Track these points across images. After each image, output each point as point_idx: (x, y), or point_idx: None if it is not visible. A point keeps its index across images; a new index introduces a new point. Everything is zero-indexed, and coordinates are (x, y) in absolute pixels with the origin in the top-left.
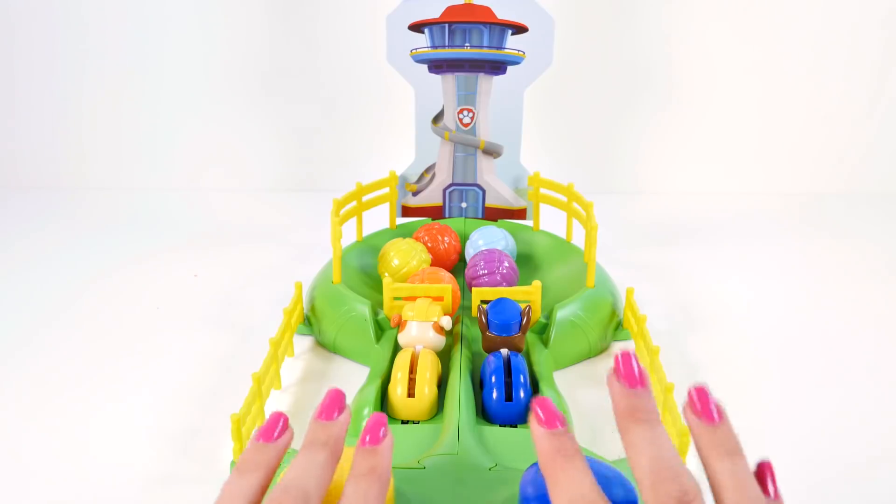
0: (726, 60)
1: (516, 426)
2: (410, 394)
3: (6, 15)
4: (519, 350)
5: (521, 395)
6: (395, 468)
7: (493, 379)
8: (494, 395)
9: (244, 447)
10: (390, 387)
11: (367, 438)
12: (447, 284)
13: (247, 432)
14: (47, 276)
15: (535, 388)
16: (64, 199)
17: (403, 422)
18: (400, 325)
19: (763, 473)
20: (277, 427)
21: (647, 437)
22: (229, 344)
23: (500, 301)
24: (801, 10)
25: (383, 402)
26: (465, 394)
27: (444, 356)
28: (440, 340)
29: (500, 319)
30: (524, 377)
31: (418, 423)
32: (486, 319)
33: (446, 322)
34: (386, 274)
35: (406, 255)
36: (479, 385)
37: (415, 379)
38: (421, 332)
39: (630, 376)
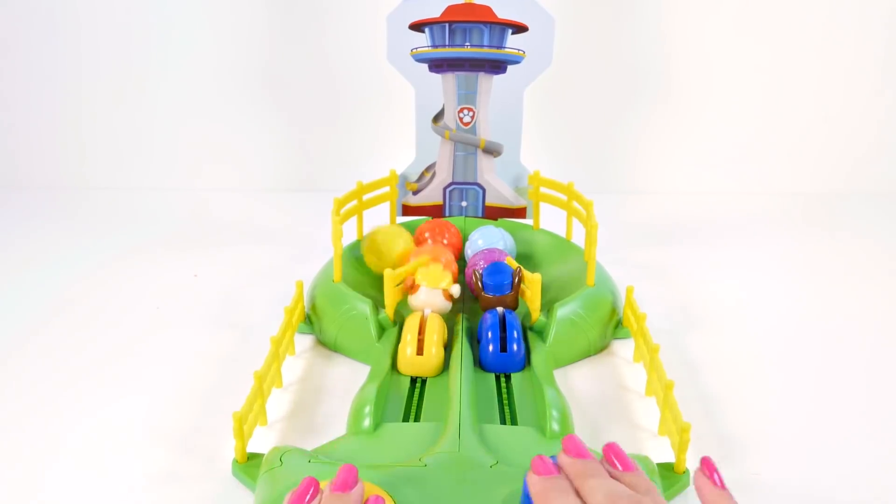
0: (726, 61)
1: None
2: (419, 352)
3: (6, 15)
4: (513, 308)
5: (514, 347)
6: (397, 466)
7: (490, 334)
8: (490, 348)
9: (246, 445)
10: (400, 346)
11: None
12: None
13: (248, 430)
14: (47, 276)
15: (526, 343)
16: (64, 199)
17: (412, 379)
18: (412, 288)
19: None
20: (309, 493)
21: (599, 482)
22: (230, 343)
23: (493, 264)
24: (801, 10)
25: (384, 401)
26: (466, 393)
27: (445, 354)
28: (447, 305)
29: (494, 281)
30: (517, 332)
31: (426, 380)
32: (482, 282)
33: (456, 290)
34: (382, 265)
35: (391, 239)
36: (476, 341)
37: (423, 340)
38: (430, 297)
39: (578, 452)
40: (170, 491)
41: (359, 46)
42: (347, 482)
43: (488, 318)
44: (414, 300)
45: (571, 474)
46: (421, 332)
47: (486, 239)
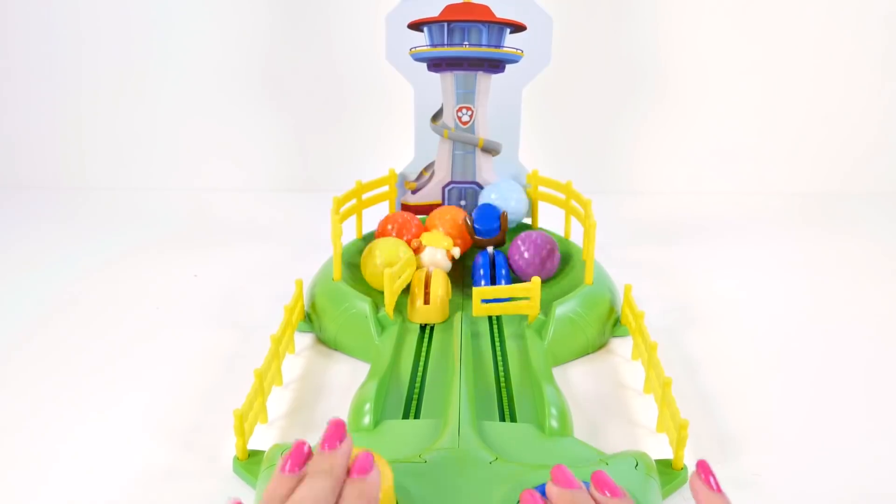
0: (724, 60)
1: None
2: (426, 302)
3: (6, 15)
4: (501, 245)
5: (503, 283)
6: (397, 462)
7: (482, 272)
8: (483, 284)
9: (247, 442)
10: (410, 299)
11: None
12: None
13: (249, 427)
14: (47, 276)
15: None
16: (64, 199)
17: (422, 326)
18: (418, 249)
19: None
20: (302, 459)
21: None
22: (231, 341)
23: (481, 208)
24: (800, 10)
25: (383, 398)
26: (466, 390)
27: (444, 353)
28: (448, 263)
29: (483, 225)
30: (505, 270)
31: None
32: (473, 226)
33: (456, 252)
34: (379, 263)
35: (392, 253)
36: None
37: (430, 292)
38: (433, 256)
39: (567, 482)
40: (171, 488)
41: (358, 46)
42: (335, 437)
43: (480, 259)
44: (420, 259)
45: (559, 502)
46: (427, 285)
47: (499, 193)
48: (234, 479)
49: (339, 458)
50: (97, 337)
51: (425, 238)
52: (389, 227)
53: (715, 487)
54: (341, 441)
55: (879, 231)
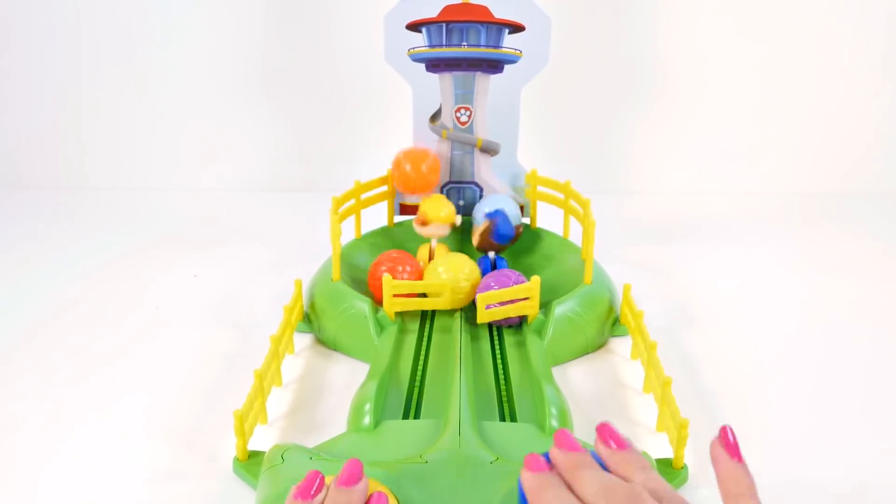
0: (723, 60)
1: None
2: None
3: (6, 15)
4: (500, 250)
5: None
6: (397, 463)
7: None
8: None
9: (247, 442)
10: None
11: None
12: (444, 283)
13: (249, 428)
14: (48, 276)
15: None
16: (64, 199)
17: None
18: (424, 224)
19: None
20: (314, 486)
21: (592, 473)
22: (230, 341)
23: (501, 214)
24: (799, 10)
25: (383, 398)
26: (466, 391)
27: (444, 354)
28: (447, 231)
29: (505, 231)
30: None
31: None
32: (494, 229)
33: (457, 220)
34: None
35: (457, 268)
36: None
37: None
38: (435, 229)
39: (570, 446)
40: (172, 488)
41: (357, 46)
42: (353, 476)
43: (480, 264)
44: (423, 230)
45: (563, 468)
46: (431, 257)
47: (491, 204)
48: (234, 480)
49: (355, 494)
50: (97, 337)
51: (426, 210)
52: (383, 268)
53: (736, 456)
54: (358, 481)
55: (879, 231)
